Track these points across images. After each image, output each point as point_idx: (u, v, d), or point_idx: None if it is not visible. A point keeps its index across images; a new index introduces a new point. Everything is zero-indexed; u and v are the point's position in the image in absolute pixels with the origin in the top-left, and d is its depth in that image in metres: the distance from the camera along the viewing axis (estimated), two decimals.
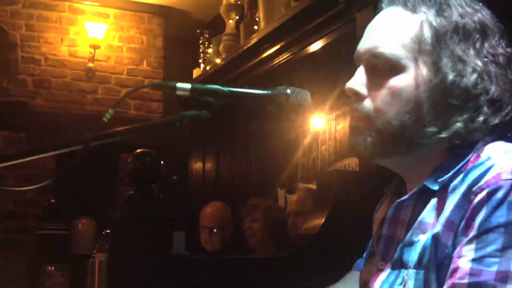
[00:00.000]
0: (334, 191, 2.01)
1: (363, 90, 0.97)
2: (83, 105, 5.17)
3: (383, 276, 0.95)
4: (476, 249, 0.80)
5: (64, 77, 5.12)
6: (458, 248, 0.83)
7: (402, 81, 0.93)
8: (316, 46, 2.79)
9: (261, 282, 1.94)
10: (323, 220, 1.94)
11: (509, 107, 0.92)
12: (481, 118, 0.90)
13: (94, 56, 5.14)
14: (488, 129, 0.91)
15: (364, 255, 1.18)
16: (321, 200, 2.09)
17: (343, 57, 2.59)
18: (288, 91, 0.99)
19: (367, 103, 0.96)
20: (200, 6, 5.27)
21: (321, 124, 3.65)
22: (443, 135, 0.91)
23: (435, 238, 0.85)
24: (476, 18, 0.94)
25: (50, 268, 3.69)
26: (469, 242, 0.82)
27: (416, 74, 0.92)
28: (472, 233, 0.81)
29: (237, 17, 3.83)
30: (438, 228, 0.86)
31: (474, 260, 0.80)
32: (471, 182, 0.85)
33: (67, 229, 4.36)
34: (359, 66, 0.99)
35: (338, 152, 3.46)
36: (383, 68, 0.95)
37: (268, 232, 3.18)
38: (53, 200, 4.55)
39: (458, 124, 0.90)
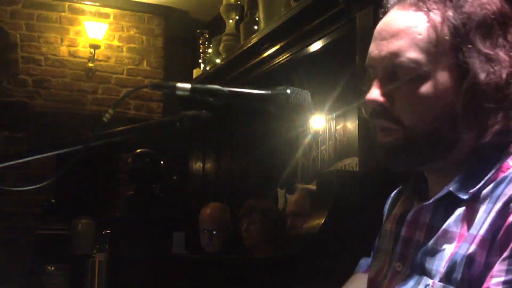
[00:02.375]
0: (334, 191, 2.01)
1: (385, 100, 0.92)
2: (83, 105, 5.17)
3: (401, 279, 0.93)
4: (508, 271, 0.77)
5: (64, 77, 5.13)
6: (493, 268, 0.80)
7: (429, 89, 0.87)
8: (316, 46, 2.79)
9: (261, 282, 1.94)
10: (323, 220, 1.95)
11: None
12: None
13: (94, 56, 5.14)
14: None
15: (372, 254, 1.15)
16: (321, 200, 2.09)
17: (343, 57, 2.60)
18: (288, 91, 0.99)
19: (394, 114, 0.91)
20: (200, 6, 5.27)
21: (321, 124, 3.65)
22: (484, 140, 0.86)
23: (470, 258, 0.82)
24: (494, 8, 0.88)
25: (50, 268, 3.70)
26: (502, 262, 0.78)
27: (442, 78, 0.87)
28: (506, 254, 0.78)
29: (237, 17, 3.83)
30: (472, 248, 0.82)
31: (505, 282, 0.77)
32: (507, 198, 0.81)
33: (67, 229, 4.36)
34: (374, 73, 0.94)
35: (338, 152, 3.46)
36: (405, 77, 0.89)
37: (265, 233, 3.18)
38: (53, 200, 4.56)
39: (497, 126, 0.85)
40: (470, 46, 0.86)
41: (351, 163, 3.25)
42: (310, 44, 2.81)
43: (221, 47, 3.84)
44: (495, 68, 0.85)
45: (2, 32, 4.84)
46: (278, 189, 4.07)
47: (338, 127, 3.48)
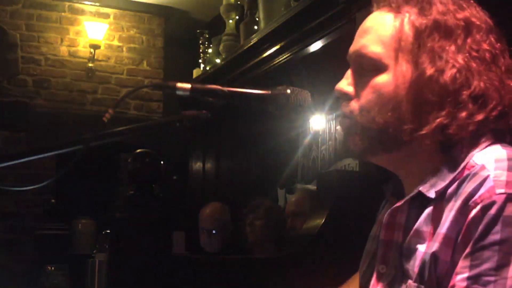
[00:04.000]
0: (334, 191, 2.01)
1: (350, 90, 0.99)
2: (83, 105, 5.16)
3: (384, 281, 0.96)
4: (471, 266, 0.80)
5: (64, 77, 5.12)
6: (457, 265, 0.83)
7: (384, 80, 0.94)
8: (316, 46, 2.79)
9: (261, 282, 1.94)
10: (323, 220, 1.94)
11: (494, 102, 0.90)
12: (463, 114, 0.89)
13: (94, 56, 5.14)
14: (474, 125, 0.89)
15: None
16: (321, 200, 2.09)
17: (343, 57, 2.60)
18: (288, 91, 0.99)
19: (353, 103, 0.97)
20: (200, 6, 5.27)
21: (321, 124, 3.65)
22: (423, 131, 0.90)
23: (434, 256, 0.85)
24: (459, 15, 0.94)
25: (50, 268, 3.70)
26: (465, 258, 0.81)
27: (397, 72, 0.93)
28: (468, 250, 0.81)
29: (237, 17, 3.83)
30: (435, 246, 0.85)
31: (469, 278, 0.80)
32: (466, 196, 0.84)
33: (67, 229, 4.36)
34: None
35: (338, 152, 3.46)
36: (367, 68, 0.96)
37: (268, 231, 3.19)
38: (53, 200, 4.56)
39: (438, 120, 0.89)
40: (425, 45, 0.92)
41: (351, 163, 3.25)
42: (310, 44, 2.81)
43: (221, 47, 3.84)
44: (444, 66, 0.90)
45: (2, 32, 4.84)
46: (278, 189, 4.07)
47: (338, 127, 3.48)
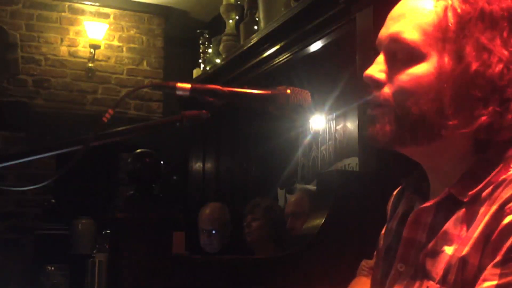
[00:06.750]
0: (334, 191, 2.01)
1: (381, 77, 0.94)
2: (83, 105, 5.16)
3: (403, 280, 0.93)
4: (501, 275, 0.77)
5: (64, 77, 5.12)
6: (485, 271, 0.80)
7: (423, 69, 0.89)
8: (316, 46, 2.79)
9: (261, 282, 1.94)
10: (323, 221, 1.94)
11: None
12: (510, 116, 0.86)
13: (94, 56, 5.14)
14: None
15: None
16: (321, 200, 2.09)
17: (343, 57, 2.60)
18: (288, 91, 0.99)
19: (386, 90, 0.93)
20: (200, 6, 5.27)
21: (321, 124, 3.65)
22: (466, 129, 0.87)
23: (463, 260, 0.83)
24: (504, 6, 0.89)
25: (50, 268, 3.69)
26: (495, 266, 0.78)
27: (438, 62, 0.88)
28: (499, 258, 0.78)
29: (237, 17, 3.83)
30: (465, 250, 0.83)
31: (498, 286, 0.77)
32: (502, 202, 0.81)
33: (67, 229, 4.36)
34: (380, 52, 0.97)
35: (338, 152, 3.46)
36: (403, 55, 0.91)
37: (266, 231, 3.19)
38: (53, 200, 4.55)
39: (483, 119, 0.86)
40: (470, 35, 0.87)
41: (351, 163, 3.25)
42: (310, 44, 2.81)
43: (221, 47, 3.84)
44: (491, 60, 0.86)
45: (2, 32, 4.84)
46: (278, 189, 4.07)
47: (338, 127, 3.48)
